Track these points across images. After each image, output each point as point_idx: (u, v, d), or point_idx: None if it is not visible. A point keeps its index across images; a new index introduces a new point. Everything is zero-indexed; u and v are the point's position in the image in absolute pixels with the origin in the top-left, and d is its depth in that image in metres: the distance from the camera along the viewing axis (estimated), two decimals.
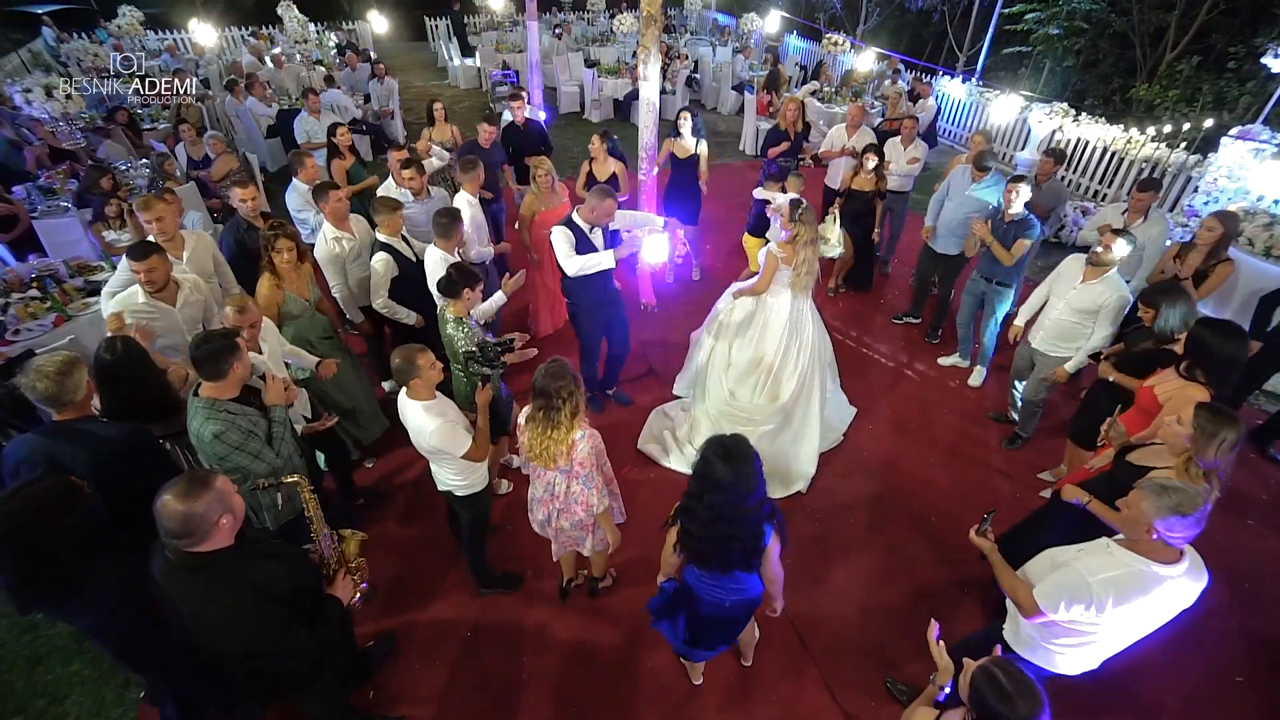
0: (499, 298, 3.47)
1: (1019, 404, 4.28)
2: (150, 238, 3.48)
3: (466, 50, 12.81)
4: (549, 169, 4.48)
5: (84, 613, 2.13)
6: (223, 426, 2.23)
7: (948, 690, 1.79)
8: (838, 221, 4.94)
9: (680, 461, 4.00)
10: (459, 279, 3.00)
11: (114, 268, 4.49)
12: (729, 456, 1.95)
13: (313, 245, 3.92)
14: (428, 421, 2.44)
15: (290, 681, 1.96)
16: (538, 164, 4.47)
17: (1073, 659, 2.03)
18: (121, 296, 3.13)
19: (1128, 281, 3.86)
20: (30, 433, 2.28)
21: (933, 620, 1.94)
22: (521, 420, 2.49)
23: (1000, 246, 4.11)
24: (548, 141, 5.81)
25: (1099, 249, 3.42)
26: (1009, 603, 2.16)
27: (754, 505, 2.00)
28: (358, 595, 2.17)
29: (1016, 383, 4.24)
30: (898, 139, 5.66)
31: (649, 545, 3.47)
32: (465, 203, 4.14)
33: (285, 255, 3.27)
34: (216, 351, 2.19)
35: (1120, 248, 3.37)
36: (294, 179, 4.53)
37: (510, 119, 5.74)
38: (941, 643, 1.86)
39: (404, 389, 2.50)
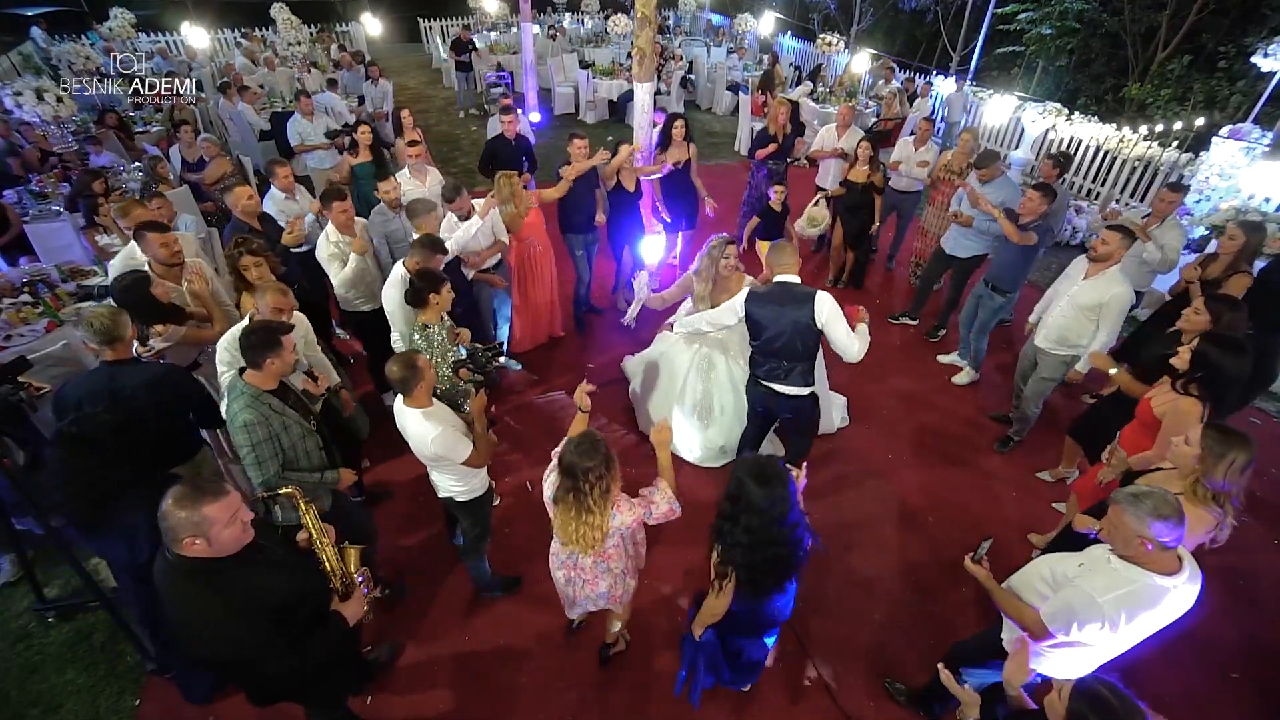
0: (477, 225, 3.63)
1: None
2: (133, 243, 3.49)
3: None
4: (518, 182, 4.39)
5: (120, 542, 2.46)
6: (255, 418, 2.33)
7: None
8: (821, 203, 5.12)
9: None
10: (423, 285, 2.95)
11: (106, 273, 4.47)
12: (763, 478, 1.90)
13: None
14: (428, 429, 2.41)
15: (277, 690, 1.94)
16: (508, 176, 4.34)
17: (1071, 665, 2.03)
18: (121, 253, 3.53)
19: (1139, 291, 3.85)
20: (88, 372, 2.70)
21: (940, 666, 1.91)
22: (548, 493, 2.26)
23: (1004, 216, 4.07)
24: (534, 159, 5.70)
25: (1096, 245, 3.41)
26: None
27: (789, 528, 1.96)
28: (366, 609, 2.17)
29: (1022, 384, 4.24)
30: (910, 139, 5.65)
31: (653, 564, 3.47)
32: (445, 225, 4.03)
33: (254, 271, 3.26)
34: (257, 345, 2.33)
35: (1118, 243, 3.33)
36: (271, 187, 4.47)
37: (499, 130, 5.68)
38: (967, 685, 1.82)
39: (400, 398, 2.48)
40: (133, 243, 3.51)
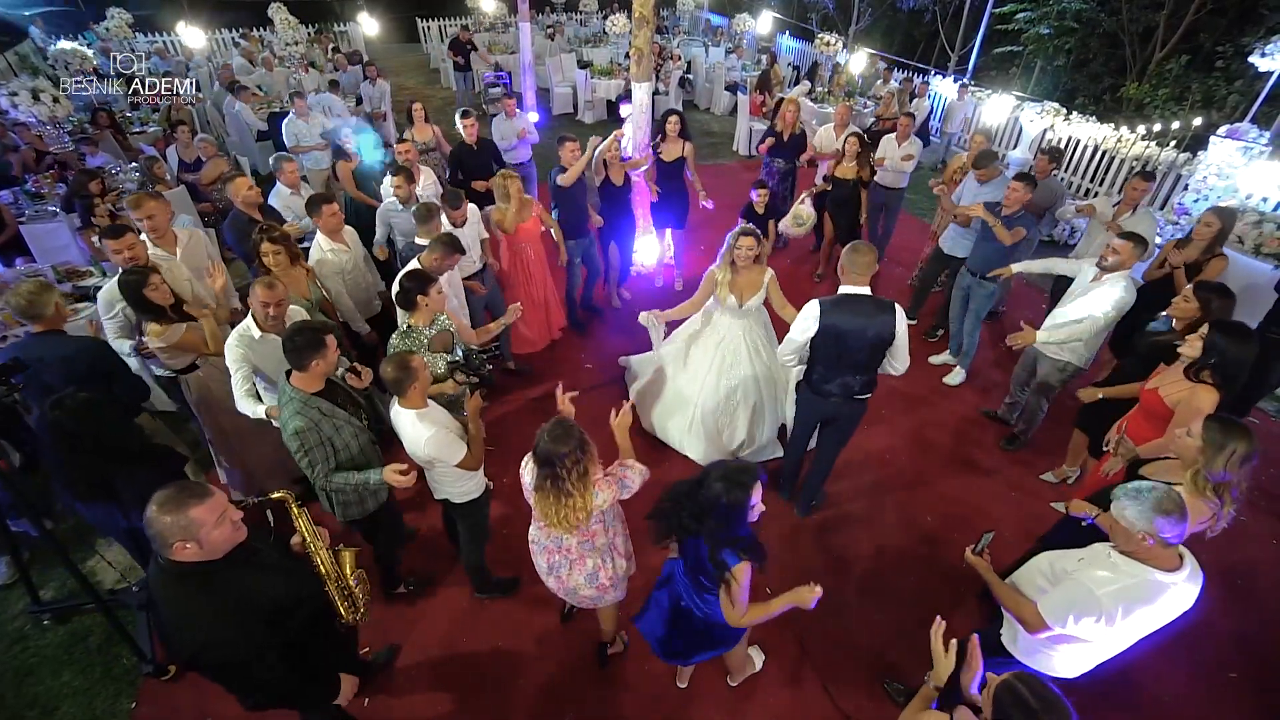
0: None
1: (1019, 404, 4.28)
2: (142, 237, 3.50)
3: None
4: (519, 184, 4.36)
5: (115, 514, 2.56)
6: (306, 425, 2.34)
7: (979, 681, 1.73)
8: (806, 202, 5.18)
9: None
10: (411, 286, 2.92)
11: (103, 273, 4.47)
12: (727, 479, 1.96)
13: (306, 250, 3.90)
14: (422, 430, 2.40)
15: (272, 694, 1.94)
16: (508, 176, 4.31)
17: (1071, 663, 2.03)
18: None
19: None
20: (13, 343, 2.88)
21: (939, 617, 1.90)
22: (526, 479, 2.29)
23: (1001, 226, 4.08)
24: (501, 162, 5.69)
25: (1107, 254, 3.40)
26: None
27: (724, 519, 1.99)
28: (364, 610, 2.22)
29: (1019, 388, 4.22)
30: (892, 136, 5.67)
31: (649, 565, 3.46)
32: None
33: (272, 258, 3.29)
34: (301, 347, 2.34)
35: (1129, 252, 3.34)
36: (277, 182, 4.51)
37: (499, 130, 5.66)
38: (953, 641, 1.82)
39: (396, 399, 2.47)
40: (143, 235, 3.53)
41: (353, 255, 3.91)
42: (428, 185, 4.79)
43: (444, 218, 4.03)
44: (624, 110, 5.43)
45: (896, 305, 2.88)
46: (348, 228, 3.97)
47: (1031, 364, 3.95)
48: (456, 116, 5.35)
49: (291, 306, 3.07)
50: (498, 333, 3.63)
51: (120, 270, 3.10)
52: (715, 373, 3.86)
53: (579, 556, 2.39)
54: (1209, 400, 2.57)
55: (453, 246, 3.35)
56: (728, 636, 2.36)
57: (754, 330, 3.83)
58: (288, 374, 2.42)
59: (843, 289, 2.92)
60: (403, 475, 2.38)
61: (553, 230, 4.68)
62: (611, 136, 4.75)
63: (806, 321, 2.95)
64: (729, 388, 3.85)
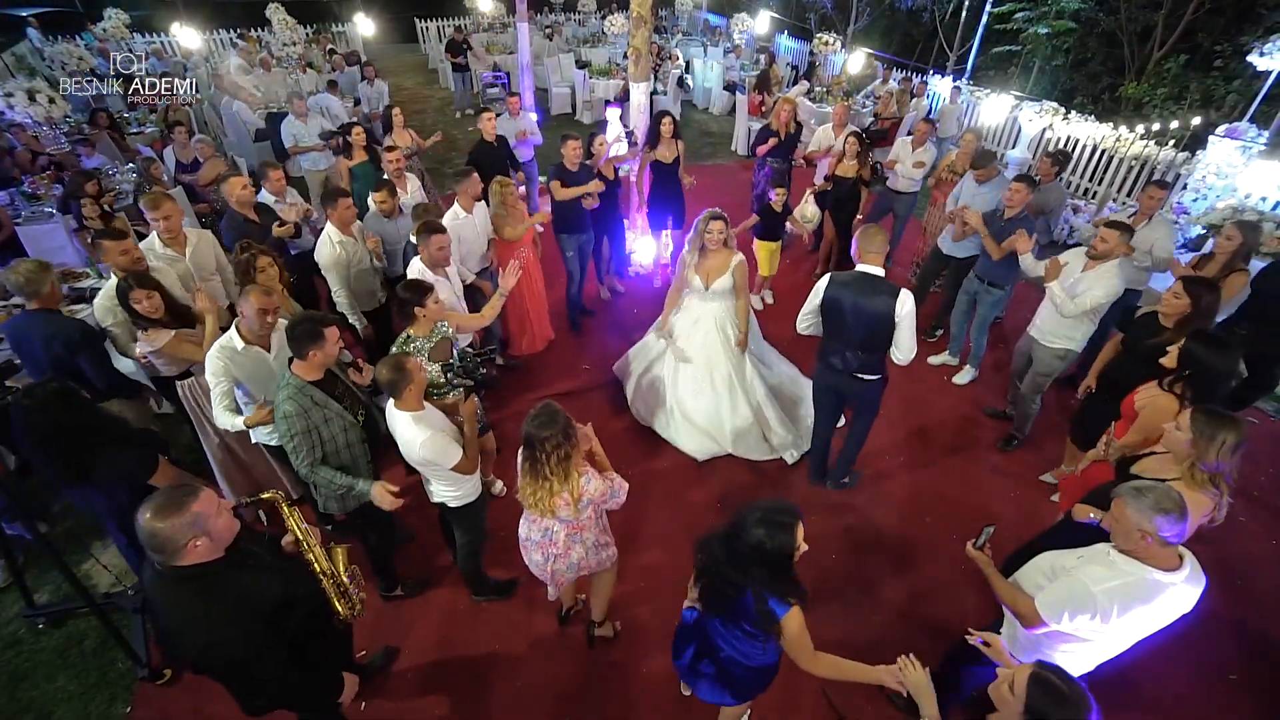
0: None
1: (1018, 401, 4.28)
2: (154, 235, 3.54)
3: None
4: (514, 189, 4.35)
5: (100, 496, 2.65)
6: (294, 410, 2.39)
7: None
8: (810, 201, 5.31)
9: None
10: (408, 296, 2.87)
11: (99, 274, 4.44)
12: (764, 520, 1.79)
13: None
14: (418, 433, 2.39)
15: (271, 696, 1.93)
16: (504, 184, 4.29)
17: (1069, 662, 2.02)
18: (142, 245, 3.51)
19: (1138, 289, 3.90)
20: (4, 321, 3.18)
21: (900, 660, 1.77)
22: (519, 465, 2.34)
23: (990, 238, 4.10)
24: (515, 160, 5.74)
25: (1095, 243, 3.43)
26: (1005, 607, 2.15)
27: (771, 566, 1.82)
28: (360, 608, 2.20)
29: (1017, 381, 4.23)
30: (908, 139, 5.64)
31: (648, 566, 3.45)
32: (449, 218, 4.02)
33: (269, 272, 3.26)
34: (300, 336, 2.41)
35: (1116, 240, 3.36)
36: (263, 189, 4.40)
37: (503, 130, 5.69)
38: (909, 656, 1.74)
39: (392, 400, 2.45)
40: (153, 233, 3.55)
41: (360, 247, 3.92)
42: (415, 192, 4.77)
43: (456, 206, 4.05)
44: (609, 114, 5.48)
45: (904, 291, 2.92)
46: (357, 221, 3.97)
47: (1027, 353, 3.94)
48: (475, 115, 5.42)
49: None
50: (500, 309, 3.57)
51: (121, 273, 3.12)
52: (688, 356, 3.92)
53: (565, 551, 2.46)
54: (1168, 410, 2.55)
55: (430, 229, 3.34)
56: (747, 689, 2.19)
57: (723, 315, 3.88)
58: (290, 360, 2.48)
59: (858, 267, 3.03)
60: (393, 496, 2.45)
61: (538, 225, 4.66)
62: (598, 144, 4.77)
63: (815, 293, 3.14)
64: (701, 369, 3.91)
